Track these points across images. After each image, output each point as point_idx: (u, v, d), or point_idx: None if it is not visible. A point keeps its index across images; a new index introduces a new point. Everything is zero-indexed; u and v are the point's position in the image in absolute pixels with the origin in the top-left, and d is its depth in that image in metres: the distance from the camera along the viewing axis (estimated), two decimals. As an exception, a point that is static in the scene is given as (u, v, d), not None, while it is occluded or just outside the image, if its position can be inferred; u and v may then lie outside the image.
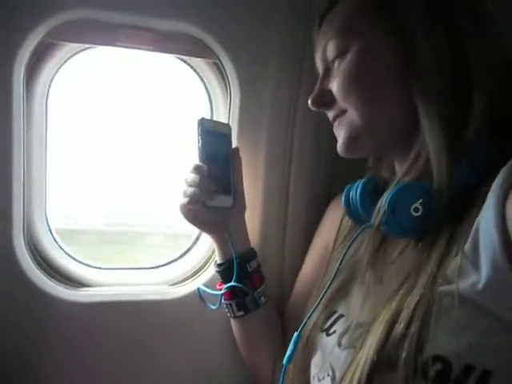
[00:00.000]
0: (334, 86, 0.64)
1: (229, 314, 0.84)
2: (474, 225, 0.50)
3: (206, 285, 0.88)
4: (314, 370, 0.65)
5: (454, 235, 0.53)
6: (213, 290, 0.85)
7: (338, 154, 0.67)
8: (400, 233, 0.57)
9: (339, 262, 0.62)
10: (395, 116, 0.61)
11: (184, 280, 0.93)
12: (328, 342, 0.62)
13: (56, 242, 0.90)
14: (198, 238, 0.96)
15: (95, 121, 1.16)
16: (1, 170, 0.78)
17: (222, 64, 0.88)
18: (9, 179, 0.78)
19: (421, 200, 0.55)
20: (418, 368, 0.47)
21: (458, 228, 0.53)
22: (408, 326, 0.49)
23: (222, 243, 0.82)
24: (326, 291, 0.63)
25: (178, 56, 0.90)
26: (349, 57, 0.62)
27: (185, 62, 0.92)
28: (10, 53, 0.76)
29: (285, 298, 0.90)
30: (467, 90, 0.56)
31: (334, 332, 0.62)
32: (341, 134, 0.65)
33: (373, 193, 0.62)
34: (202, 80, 0.93)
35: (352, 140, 0.64)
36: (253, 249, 0.85)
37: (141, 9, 0.81)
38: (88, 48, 0.86)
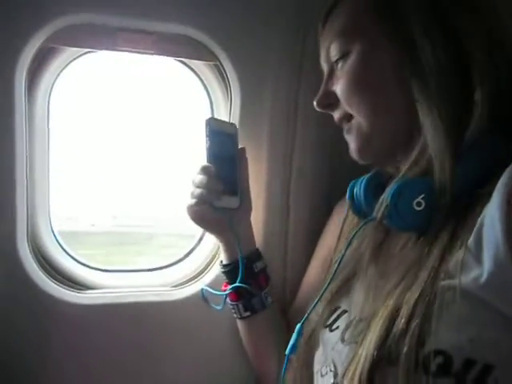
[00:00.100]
0: (338, 88, 0.65)
1: (235, 315, 0.84)
2: (479, 221, 0.50)
3: (209, 286, 0.88)
4: (317, 366, 0.65)
5: (457, 231, 0.53)
6: (217, 290, 0.86)
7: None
8: (402, 226, 0.57)
9: (341, 256, 0.63)
10: (399, 116, 0.61)
11: (187, 281, 0.94)
12: (331, 338, 0.62)
13: (59, 245, 0.90)
14: (200, 239, 0.97)
15: (97, 124, 1.17)
16: (4, 174, 0.78)
17: (222, 66, 0.88)
18: (12, 182, 0.79)
19: (423, 195, 0.55)
20: (419, 362, 0.47)
21: (461, 224, 0.53)
22: (409, 321, 0.49)
23: (228, 244, 0.82)
24: (328, 285, 0.63)
25: (179, 59, 0.91)
26: (351, 58, 0.63)
27: (185, 64, 0.93)
28: (11, 58, 0.77)
29: (287, 300, 0.90)
30: (470, 88, 0.56)
31: (337, 327, 0.62)
32: (352, 139, 0.67)
33: (377, 188, 0.62)
34: (202, 82, 0.94)
35: (365, 144, 0.65)
36: (258, 249, 0.85)
37: (141, 12, 0.82)
38: (89, 52, 0.87)
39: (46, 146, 0.87)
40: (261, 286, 0.82)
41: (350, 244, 0.63)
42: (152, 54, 0.87)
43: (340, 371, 0.57)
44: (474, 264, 0.49)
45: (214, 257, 0.94)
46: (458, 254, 0.50)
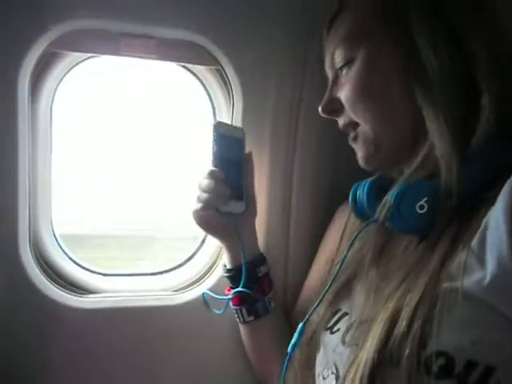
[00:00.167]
0: (342, 95, 0.65)
1: (238, 320, 0.84)
2: (483, 223, 0.50)
3: (210, 290, 0.88)
4: (318, 369, 0.65)
5: (459, 234, 0.53)
6: (217, 295, 0.85)
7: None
8: (404, 229, 0.57)
9: (343, 257, 0.63)
10: (404, 121, 0.61)
11: (188, 286, 0.94)
12: (332, 340, 0.62)
13: (61, 249, 0.91)
14: (201, 244, 0.97)
15: (99, 128, 1.18)
16: (6, 177, 0.79)
17: (224, 71, 0.89)
18: (14, 186, 0.79)
19: (426, 198, 0.55)
20: (421, 363, 0.47)
21: (464, 227, 0.53)
22: (410, 323, 0.49)
23: (232, 249, 0.82)
24: (329, 287, 0.63)
25: (181, 63, 0.91)
26: (356, 65, 0.63)
27: (187, 69, 0.93)
28: (14, 62, 0.77)
29: (289, 304, 0.90)
30: (475, 92, 0.56)
31: (338, 330, 0.62)
32: (359, 148, 0.67)
33: (380, 191, 0.62)
34: (204, 87, 0.94)
35: (372, 152, 0.65)
36: (262, 254, 0.85)
37: (143, 18, 0.83)
38: (92, 57, 0.88)
39: (48, 150, 0.88)
40: (264, 291, 0.82)
41: (351, 245, 0.63)
42: (154, 58, 0.87)
43: (342, 374, 0.57)
44: (477, 266, 0.48)
45: (215, 262, 0.94)
46: (461, 257, 0.50)
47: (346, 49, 0.64)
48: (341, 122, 0.69)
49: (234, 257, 0.82)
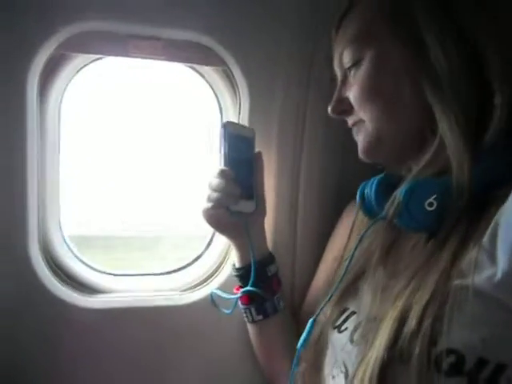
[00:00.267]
0: (351, 95, 0.66)
1: (246, 319, 0.84)
2: (494, 220, 0.50)
3: (219, 290, 0.89)
4: (327, 369, 0.65)
5: (469, 231, 0.53)
6: (226, 294, 0.86)
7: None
8: (413, 226, 0.57)
9: (351, 254, 0.63)
10: (412, 120, 0.61)
11: (196, 286, 0.94)
12: (340, 339, 0.62)
13: (71, 250, 0.91)
14: (209, 244, 0.97)
15: (108, 129, 1.18)
16: (15, 180, 0.79)
17: (231, 71, 0.89)
18: (24, 187, 0.80)
19: (435, 195, 0.55)
20: (431, 361, 0.47)
21: (474, 225, 0.53)
22: (420, 321, 0.49)
23: (241, 248, 0.82)
24: (338, 285, 0.63)
25: (188, 64, 0.92)
26: (364, 65, 0.63)
27: (195, 70, 0.93)
28: (23, 64, 0.78)
29: (296, 304, 0.90)
30: (488, 91, 0.55)
31: (346, 329, 0.62)
32: (360, 140, 0.67)
33: (388, 189, 0.61)
34: (211, 87, 0.95)
35: (373, 145, 0.65)
36: (271, 253, 0.85)
37: (151, 19, 0.83)
38: (100, 58, 0.88)
39: (56, 150, 0.88)
40: (273, 290, 0.82)
41: (360, 242, 0.63)
42: (162, 59, 0.88)
43: (351, 372, 0.57)
44: (488, 263, 0.48)
45: (222, 261, 0.94)
46: (472, 254, 0.50)
47: (354, 49, 0.64)
48: (350, 121, 0.69)
49: (243, 256, 0.82)
